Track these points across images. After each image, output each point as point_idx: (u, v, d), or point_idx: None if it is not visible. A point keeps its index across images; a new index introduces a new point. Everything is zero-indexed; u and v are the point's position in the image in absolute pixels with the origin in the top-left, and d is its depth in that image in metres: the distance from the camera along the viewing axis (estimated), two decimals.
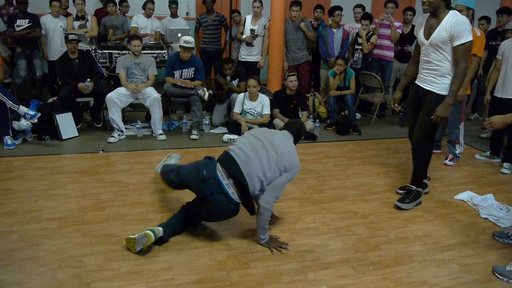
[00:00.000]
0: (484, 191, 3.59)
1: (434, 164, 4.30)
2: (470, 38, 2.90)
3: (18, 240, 2.63)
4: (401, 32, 5.81)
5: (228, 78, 5.34)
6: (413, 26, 5.99)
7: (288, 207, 3.22)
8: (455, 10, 2.98)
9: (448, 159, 4.32)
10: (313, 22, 6.13)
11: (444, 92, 3.04)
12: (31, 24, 5.60)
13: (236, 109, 4.93)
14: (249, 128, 4.77)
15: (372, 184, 3.72)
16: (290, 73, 4.95)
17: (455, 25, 2.91)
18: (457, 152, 4.34)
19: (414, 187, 3.33)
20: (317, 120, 5.31)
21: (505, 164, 4.20)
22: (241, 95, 4.95)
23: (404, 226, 2.99)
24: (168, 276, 2.33)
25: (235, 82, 5.39)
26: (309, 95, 5.73)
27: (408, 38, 6.00)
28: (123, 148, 4.42)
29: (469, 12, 3.86)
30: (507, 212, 3.21)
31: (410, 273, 2.45)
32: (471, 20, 3.97)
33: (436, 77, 3.08)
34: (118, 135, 4.68)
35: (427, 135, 3.17)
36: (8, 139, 4.28)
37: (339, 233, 2.86)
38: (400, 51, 6.03)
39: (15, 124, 4.47)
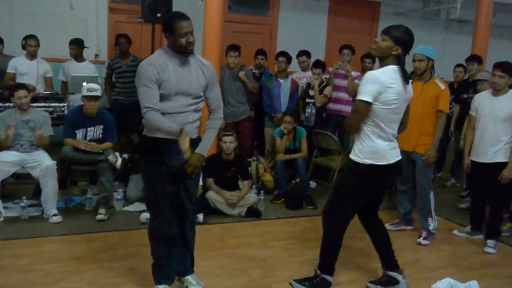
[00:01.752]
0: (467, 277, 3.71)
1: (406, 244, 4.46)
2: (361, 97, 3.06)
3: None
4: (359, 83, 6.18)
5: None
6: None
7: None
8: (390, 66, 3.11)
9: (422, 237, 4.50)
10: (254, 71, 6.40)
11: (356, 158, 3.19)
12: None
13: None
14: None
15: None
16: (226, 133, 5.07)
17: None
18: (431, 227, 4.54)
19: (319, 272, 3.43)
20: (262, 191, 5.38)
21: (489, 242, 4.44)
22: None
23: None
24: None
25: None
26: (252, 160, 5.84)
27: None
28: (1, 236, 4.17)
29: (429, 63, 4.32)
30: None
31: None
32: (431, 72, 4.42)
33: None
34: None
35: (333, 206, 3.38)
36: None
37: None
38: None
39: None
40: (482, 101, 4.51)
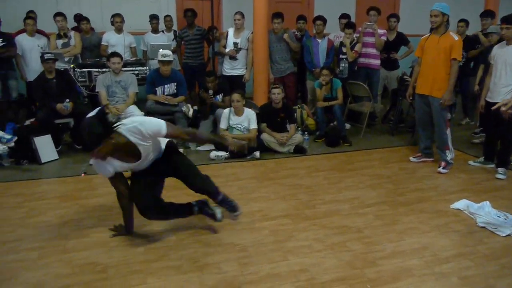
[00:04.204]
0: (480, 198, 3.59)
1: (427, 172, 4.33)
2: None
3: None
4: (385, 39, 5.89)
5: (211, 92, 5.30)
6: (398, 33, 6.11)
7: (279, 224, 3.18)
8: None
9: (441, 167, 4.34)
10: (296, 33, 6.18)
11: None
12: (4, 43, 5.52)
13: (222, 125, 4.90)
14: None
15: (365, 197, 3.70)
16: (274, 86, 4.98)
17: None
18: (448, 158, 4.37)
19: None
20: (306, 132, 5.31)
21: (499, 169, 4.23)
22: (227, 110, 4.93)
23: (401, 239, 2.97)
24: None
25: (219, 97, 5.38)
26: (297, 107, 5.75)
27: (394, 45, 6.09)
28: None
29: (443, 18, 4.07)
30: (505, 219, 3.22)
31: None
32: (446, 26, 4.17)
33: None
34: None
35: None
36: None
37: (334, 250, 2.82)
38: (386, 59, 6.10)
39: None
40: (498, 51, 4.25)
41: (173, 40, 6.42)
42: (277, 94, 4.91)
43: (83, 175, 4.19)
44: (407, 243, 2.93)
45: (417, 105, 4.54)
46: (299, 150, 4.92)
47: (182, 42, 6.40)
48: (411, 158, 4.67)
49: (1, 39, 5.52)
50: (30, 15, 5.85)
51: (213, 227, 3.11)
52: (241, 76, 5.84)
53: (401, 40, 6.13)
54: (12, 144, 4.24)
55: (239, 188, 3.88)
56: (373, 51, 5.93)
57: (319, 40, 5.89)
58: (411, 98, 4.66)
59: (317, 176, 4.22)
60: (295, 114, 5.48)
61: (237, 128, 4.88)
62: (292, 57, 6.09)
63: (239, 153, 4.68)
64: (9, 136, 4.22)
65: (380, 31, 5.82)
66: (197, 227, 3.13)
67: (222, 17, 7.69)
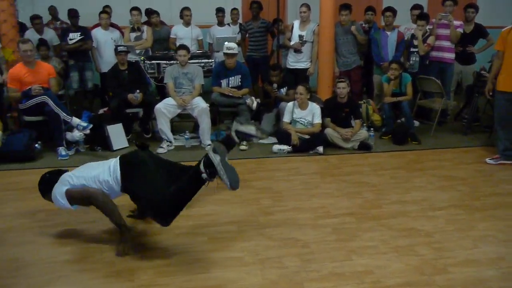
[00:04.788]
0: None
1: (506, 176, 4.01)
2: None
3: (71, 252, 2.72)
4: (462, 31, 5.53)
5: (275, 86, 5.30)
6: (476, 25, 5.70)
7: (344, 223, 3.10)
8: None
9: None
10: (364, 25, 5.99)
11: None
12: (82, 36, 5.89)
13: (286, 118, 4.87)
14: (300, 138, 4.69)
15: (436, 199, 3.50)
16: (339, 80, 4.86)
17: None
18: None
19: None
20: (372, 128, 5.13)
21: None
22: (290, 103, 4.89)
23: (475, 247, 2.78)
24: None
25: (283, 90, 5.35)
26: (362, 102, 5.58)
27: (471, 37, 5.70)
28: (172, 159, 4.38)
29: None
30: None
31: None
32: None
33: None
34: (167, 145, 4.77)
35: None
36: (62, 150, 4.49)
37: (400, 253, 2.70)
38: (462, 52, 5.73)
39: (69, 135, 4.69)
40: None
41: (238, 33, 6.47)
42: (343, 88, 4.79)
43: None
44: (482, 251, 2.73)
45: (499, 103, 4.22)
46: (364, 147, 4.78)
47: (247, 35, 6.44)
48: (488, 160, 4.35)
49: (79, 33, 5.89)
50: (106, 10, 6.17)
51: (275, 221, 3.11)
52: (305, 70, 5.77)
53: (480, 32, 5.72)
54: (88, 131, 4.51)
55: (301, 183, 3.84)
56: (447, 44, 5.59)
57: (388, 33, 5.67)
58: (490, 94, 4.36)
59: (382, 174, 4.07)
60: (361, 109, 5.33)
61: (300, 122, 4.83)
62: (359, 50, 5.92)
63: (302, 148, 4.63)
64: (85, 124, 4.50)
65: (456, 23, 5.47)
66: (259, 220, 3.14)
67: (287, 9, 7.63)
